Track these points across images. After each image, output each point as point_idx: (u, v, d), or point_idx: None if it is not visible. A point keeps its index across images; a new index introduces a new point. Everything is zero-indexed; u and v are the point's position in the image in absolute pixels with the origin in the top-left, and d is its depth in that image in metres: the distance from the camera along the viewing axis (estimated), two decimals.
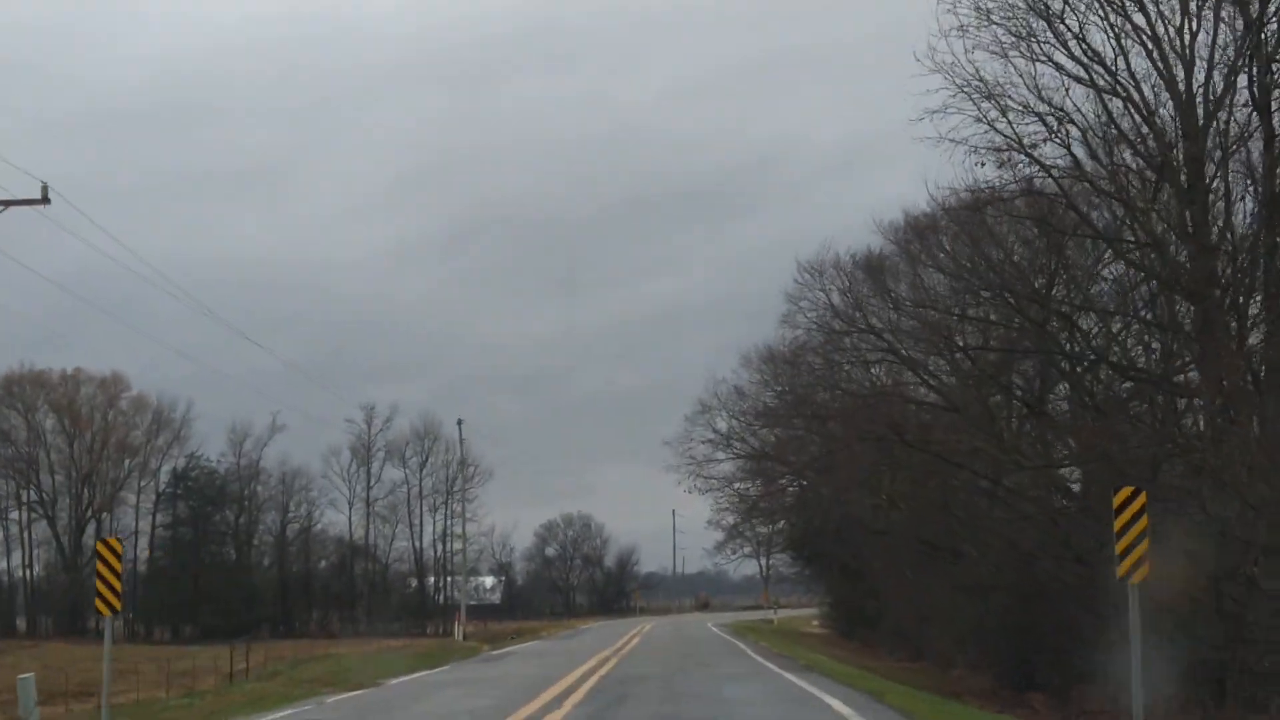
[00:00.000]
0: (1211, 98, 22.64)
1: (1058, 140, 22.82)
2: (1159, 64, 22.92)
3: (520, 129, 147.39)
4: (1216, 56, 22.50)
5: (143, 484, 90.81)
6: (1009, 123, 23.35)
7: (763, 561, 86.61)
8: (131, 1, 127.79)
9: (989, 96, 23.41)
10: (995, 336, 29.67)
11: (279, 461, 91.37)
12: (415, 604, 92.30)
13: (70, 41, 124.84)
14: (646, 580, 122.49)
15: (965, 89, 23.27)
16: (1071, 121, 23.58)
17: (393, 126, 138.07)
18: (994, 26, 23.00)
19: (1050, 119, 23.11)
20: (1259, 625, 19.27)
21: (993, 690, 30.69)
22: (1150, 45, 22.94)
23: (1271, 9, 21.64)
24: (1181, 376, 24.28)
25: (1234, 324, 21.78)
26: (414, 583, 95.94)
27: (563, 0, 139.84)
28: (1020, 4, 23.04)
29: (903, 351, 34.01)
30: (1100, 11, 22.93)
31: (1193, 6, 22.65)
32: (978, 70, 23.18)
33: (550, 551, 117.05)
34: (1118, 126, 23.38)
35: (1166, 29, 22.71)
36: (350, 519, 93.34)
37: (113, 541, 18.44)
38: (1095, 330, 26.11)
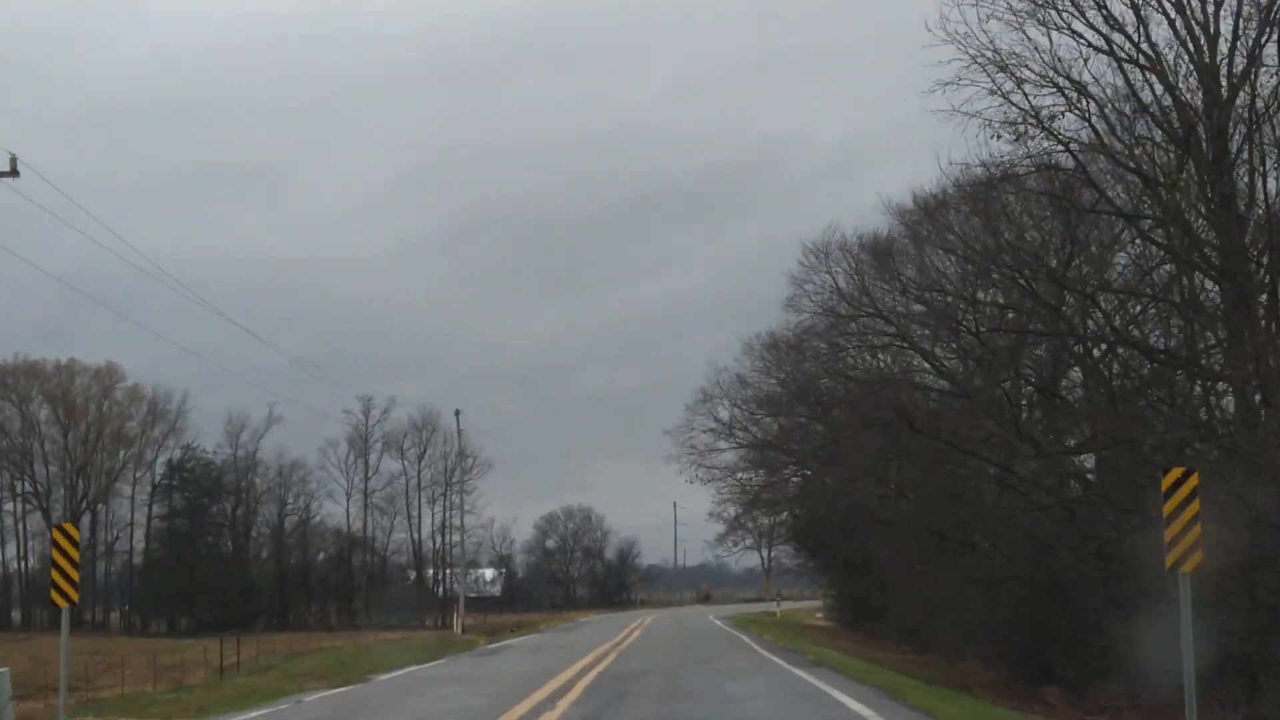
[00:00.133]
0: (1236, 69, 21.76)
1: (1077, 112, 21.84)
2: (1182, 33, 22.00)
3: (520, 128, 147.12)
4: (1241, 27, 21.63)
5: (138, 475, 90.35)
6: (1025, 95, 22.49)
7: (764, 553, 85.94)
8: (132, 1, 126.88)
9: (1003, 68, 22.51)
10: (1007, 321, 28.68)
11: (276, 454, 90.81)
12: (414, 596, 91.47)
13: (70, 40, 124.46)
14: (647, 573, 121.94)
15: (979, 60, 22.43)
16: (1089, 95, 22.68)
17: (393, 126, 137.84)
18: None
19: (1069, 91, 22.14)
20: None
21: (1004, 684, 29.91)
22: (1173, 14, 22.04)
23: None
24: (1204, 359, 23.37)
25: (1264, 301, 20.78)
26: (413, 575, 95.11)
27: (563, 0, 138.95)
28: None
29: (911, 334, 33.01)
30: None
31: None
32: (992, 40, 22.38)
33: (551, 544, 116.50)
34: (1138, 98, 22.42)
35: None
36: (348, 511, 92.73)
37: (69, 528, 17.40)
38: (1115, 310, 25.10)
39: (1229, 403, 22.71)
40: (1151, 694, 23.14)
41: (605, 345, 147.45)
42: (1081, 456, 28.34)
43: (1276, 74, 21.31)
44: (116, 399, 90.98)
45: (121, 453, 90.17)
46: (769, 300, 76.43)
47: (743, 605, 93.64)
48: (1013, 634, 30.48)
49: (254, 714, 18.67)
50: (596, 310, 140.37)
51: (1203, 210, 22.39)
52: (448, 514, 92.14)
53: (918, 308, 32.38)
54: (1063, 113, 22.09)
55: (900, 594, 41.16)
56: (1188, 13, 21.94)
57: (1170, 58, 21.92)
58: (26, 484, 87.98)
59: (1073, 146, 22.59)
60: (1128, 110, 22.66)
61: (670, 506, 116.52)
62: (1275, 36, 21.18)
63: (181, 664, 39.24)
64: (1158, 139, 22.45)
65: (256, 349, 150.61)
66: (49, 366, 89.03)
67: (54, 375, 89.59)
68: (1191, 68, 22.10)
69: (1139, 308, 25.80)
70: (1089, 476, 27.23)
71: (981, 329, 28.03)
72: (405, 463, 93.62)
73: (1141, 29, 22.08)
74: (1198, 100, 21.93)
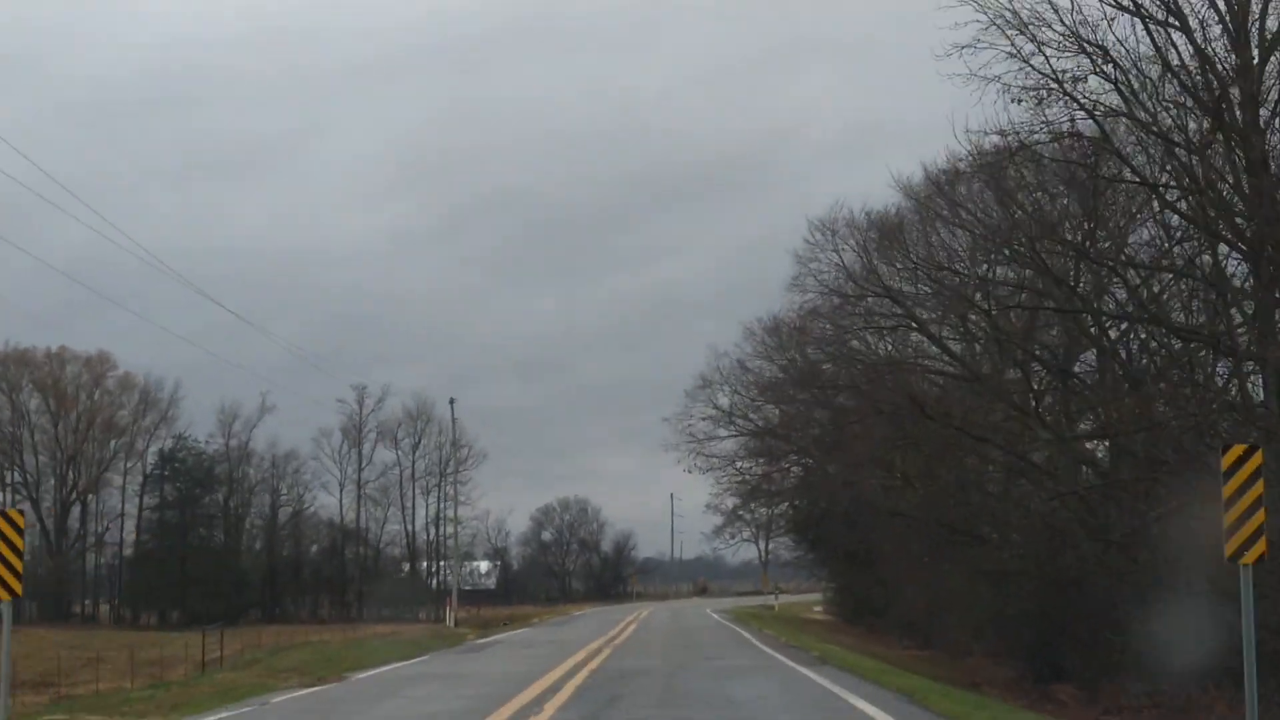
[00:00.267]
0: (1269, 30, 20.53)
1: (1102, 74, 20.51)
2: None
3: (521, 117, 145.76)
4: None
5: (129, 465, 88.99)
6: (1046, 58, 21.17)
7: (762, 546, 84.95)
8: None
9: (1023, 29, 21.20)
10: (1021, 299, 27.39)
11: (269, 444, 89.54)
12: (408, 589, 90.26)
13: (68, 27, 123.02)
14: (644, 565, 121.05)
15: (997, 21, 21.10)
16: (1113, 60, 21.37)
17: (394, 113, 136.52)
18: None
19: (1094, 54, 20.83)
20: None
21: (1014, 681, 28.87)
22: None
23: None
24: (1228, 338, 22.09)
25: None
26: (407, 567, 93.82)
27: None
28: None
29: (920, 315, 31.68)
30: None
31: None
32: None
33: (546, 536, 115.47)
34: (1165, 61, 21.10)
35: None
36: (341, 501, 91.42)
37: (13, 513, 16.06)
38: (1139, 285, 23.79)
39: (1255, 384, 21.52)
40: (1173, 692, 22.01)
41: (605, 336, 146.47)
42: (1093, 443, 27.23)
43: None
44: (107, 388, 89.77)
45: (112, 442, 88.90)
46: (770, 296, 75.17)
47: (740, 598, 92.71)
48: (1022, 629, 29.40)
49: (217, 718, 17.35)
50: (596, 300, 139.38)
51: (1230, 180, 21.18)
52: (442, 505, 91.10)
53: (926, 289, 31.08)
54: (1086, 76, 20.80)
55: (903, 587, 40.08)
56: None
57: (1200, 17, 20.64)
58: (16, 474, 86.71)
59: (1097, 113, 21.30)
60: (1153, 75, 21.35)
61: (667, 498, 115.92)
62: None
63: (161, 658, 37.99)
64: (1186, 104, 21.13)
65: (249, 338, 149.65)
66: (39, 354, 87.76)
67: (44, 363, 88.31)
68: (1222, 29, 20.86)
69: (1159, 285, 24.53)
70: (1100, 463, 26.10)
71: (994, 308, 26.72)
72: (399, 453, 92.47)
73: None
74: (1229, 63, 20.65)
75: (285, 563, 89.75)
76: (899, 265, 32.50)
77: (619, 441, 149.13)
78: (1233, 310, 22.31)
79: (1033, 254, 24.10)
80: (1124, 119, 21.51)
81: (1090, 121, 21.83)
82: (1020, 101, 20.70)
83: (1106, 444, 26.92)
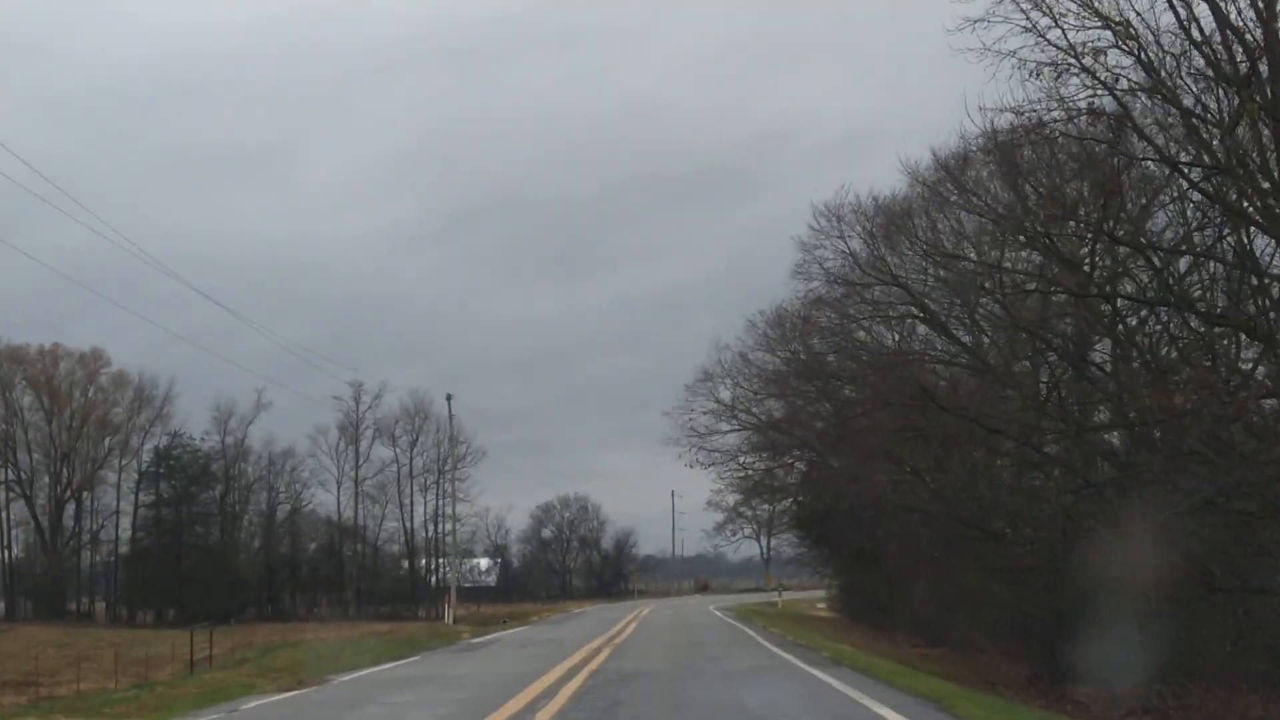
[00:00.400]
0: None
1: (1124, 48, 19.54)
2: None
3: (522, 110, 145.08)
4: None
5: (124, 463, 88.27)
6: (1063, 32, 20.19)
7: (764, 542, 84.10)
8: None
9: (1039, 3, 20.24)
10: (1038, 284, 26.41)
11: (265, 442, 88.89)
12: (406, 586, 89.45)
13: (70, 20, 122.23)
14: (644, 563, 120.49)
15: None
16: (1133, 34, 20.40)
17: (395, 106, 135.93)
18: None
19: (1115, 27, 19.85)
20: None
21: (1029, 681, 27.98)
22: None
23: None
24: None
25: None
26: (405, 565, 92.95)
27: None
28: None
29: (929, 305, 30.68)
30: None
31: None
32: None
33: (547, 533, 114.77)
34: (1188, 33, 20.12)
35: None
36: (339, 499, 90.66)
37: None
38: (1162, 268, 22.82)
39: None
40: (1202, 694, 21.14)
41: (605, 331, 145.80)
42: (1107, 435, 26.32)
43: None
44: (102, 385, 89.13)
45: (107, 440, 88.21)
46: (772, 292, 74.20)
47: (742, 595, 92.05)
48: (1038, 627, 28.44)
49: None
50: (597, 295, 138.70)
51: (1256, 159, 20.22)
52: (440, 502, 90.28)
53: (935, 277, 30.10)
54: (1107, 49, 19.80)
55: (911, 584, 39.17)
56: None
57: None
58: (9, 472, 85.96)
59: (1118, 88, 20.30)
60: (1177, 48, 20.37)
61: (668, 495, 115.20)
62: None
63: (147, 658, 37.19)
64: (1211, 77, 20.15)
65: (244, 335, 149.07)
66: (32, 351, 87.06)
67: (38, 360, 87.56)
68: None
69: (1182, 269, 23.57)
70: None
71: (1006, 295, 25.75)
72: (397, 450, 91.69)
73: None
74: (1258, 35, 19.66)
75: (283, 560, 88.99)
76: (907, 253, 31.50)
77: (619, 439, 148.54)
78: (1260, 296, 21.35)
79: (1046, 238, 23.13)
80: (1144, 95, 20.52)
81: (1109, 98, 20.90)
82: (1038, 76, 19.75)
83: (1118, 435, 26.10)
